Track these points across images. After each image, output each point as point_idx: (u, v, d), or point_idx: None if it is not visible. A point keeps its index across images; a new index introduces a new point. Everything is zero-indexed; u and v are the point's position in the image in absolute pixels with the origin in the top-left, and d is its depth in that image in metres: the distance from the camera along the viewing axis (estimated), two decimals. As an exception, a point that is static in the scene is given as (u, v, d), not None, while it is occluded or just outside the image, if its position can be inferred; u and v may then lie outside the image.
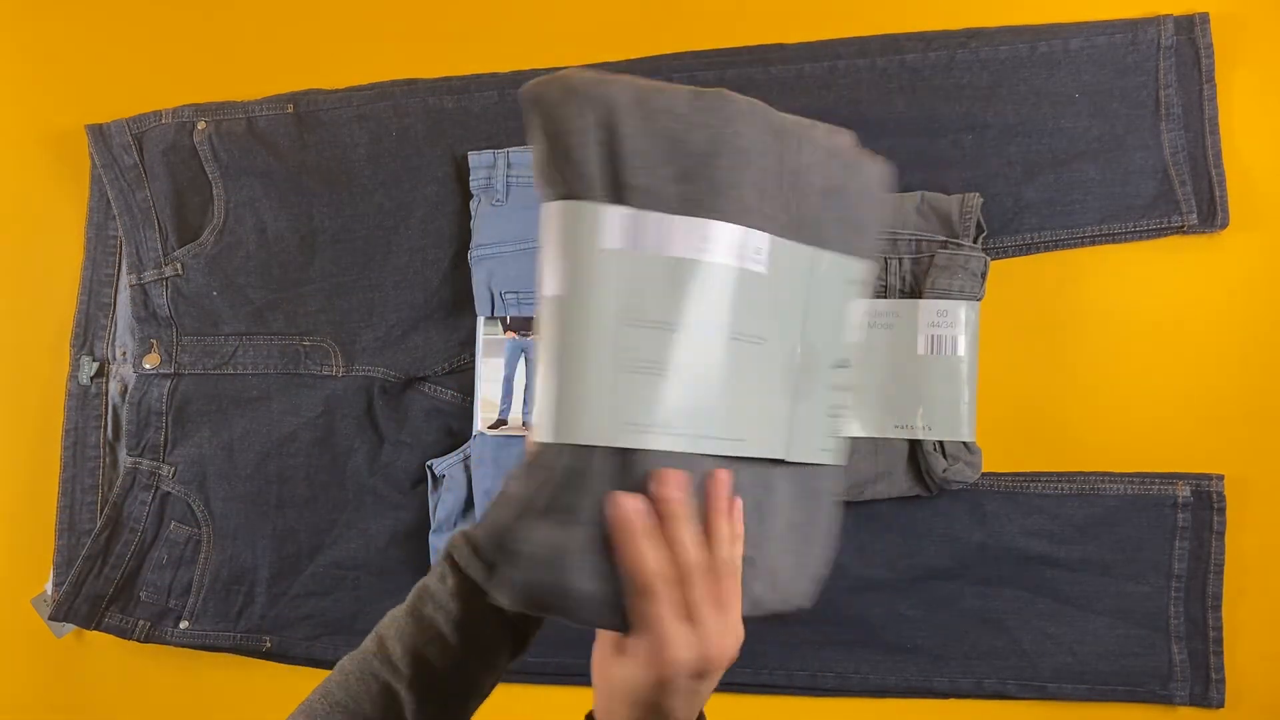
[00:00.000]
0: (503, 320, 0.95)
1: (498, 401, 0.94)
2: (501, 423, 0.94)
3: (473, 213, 0.97)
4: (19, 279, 1.11)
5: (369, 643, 0.55)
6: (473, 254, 0.97)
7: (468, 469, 0.97)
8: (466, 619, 0.54)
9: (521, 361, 0.93)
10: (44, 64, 1.13)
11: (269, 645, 1.03)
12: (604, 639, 0.52)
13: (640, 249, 0.49)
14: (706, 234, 0.50)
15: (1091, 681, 0.95)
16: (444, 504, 0.98)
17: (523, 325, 0.94)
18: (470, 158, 0.98)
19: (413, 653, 0.53)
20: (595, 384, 0.48)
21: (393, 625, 0.55)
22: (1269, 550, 0.94)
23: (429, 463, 0.99)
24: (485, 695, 0.57)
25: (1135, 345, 0.97)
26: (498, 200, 0.95)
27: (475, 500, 0.96)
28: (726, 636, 0.48)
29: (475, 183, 0.97)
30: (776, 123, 0.53)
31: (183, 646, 1.04)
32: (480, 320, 0.97)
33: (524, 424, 0.92)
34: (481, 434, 0.94)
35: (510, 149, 0.98)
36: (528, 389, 0.92)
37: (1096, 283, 0.97)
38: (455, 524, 0.97)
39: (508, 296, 0.95)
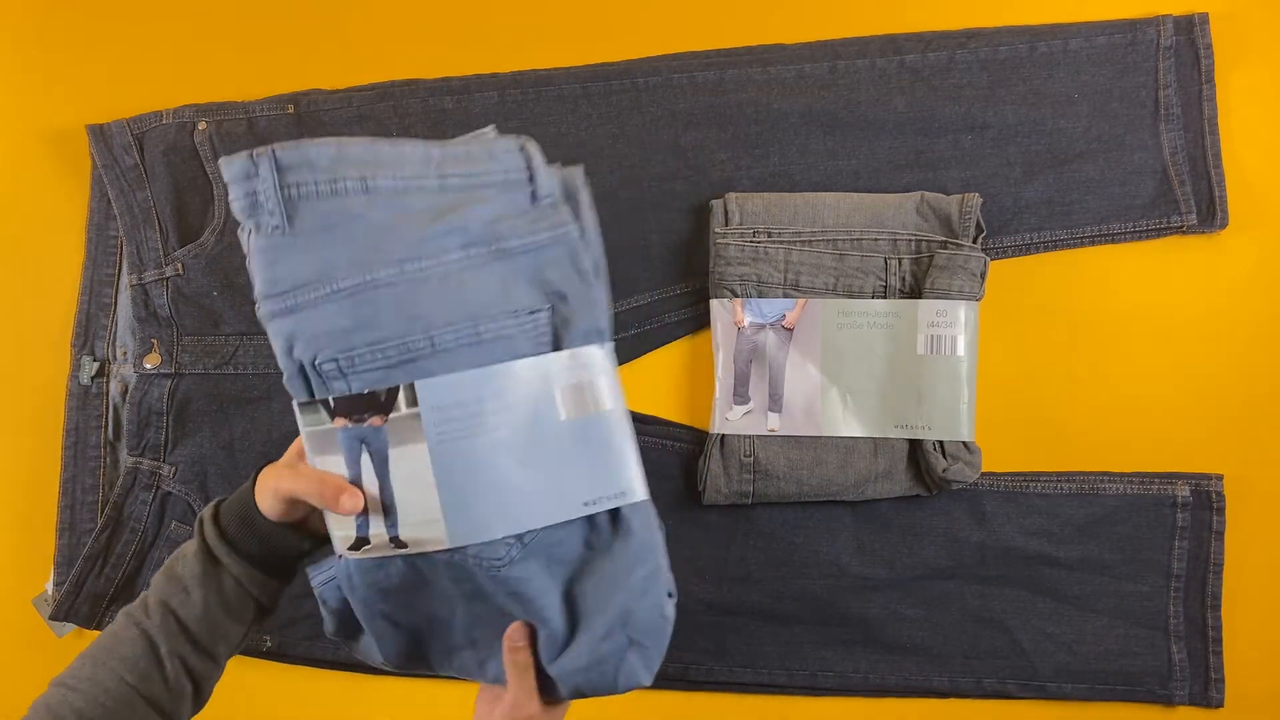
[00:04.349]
0: (324, 404, 0.62)
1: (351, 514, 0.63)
2: (363, 541, 0.63)
3: (245, 250, 0.63)
4: (19, 279, 1.12)
5: (139, 598, 0.66)
6: (261, 310, 0.62)
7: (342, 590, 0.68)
8: (208, 579, 0.64)
9: (366, 458, 0.62)
10: (44, 64, 1.13)
11: (269, 645, 1.03)
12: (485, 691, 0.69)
13: None
14: None
15: (1091, 681, 0.95)
16: (329, 621, 0.69)
17: (355, 407, 0.62)
18: (223, 167, 0.61)
19: (162, 604, 0.64)
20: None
21: (153, 582, 0.66)
22: (1269, 550, 0.94)
23: (308, 569, 0.69)
24: (236, 642, 0.67)
25: (1135, 345, 0.97)
26: (277, 227, 0.61)
27: (364, 625, 0.67)
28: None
29: (237, 205, 0.61)
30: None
31: (183, 646, 1.05)
32: (295, 408, 0.64)
33: (392, 540, 0.63)
34: (344, 557, 0.64)
35: (274, 147, 0.61)
36: (384, 493, 0.63)
37: (1096, 283, 0.98)
38: (350, 638, 0.70)
39: (325, 367, 0.62)
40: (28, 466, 1.09)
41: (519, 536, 0.62)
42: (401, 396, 0.61)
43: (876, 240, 0.95)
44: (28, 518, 1.09)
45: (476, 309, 0.61)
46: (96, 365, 1.07)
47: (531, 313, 0.63)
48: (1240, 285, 0.96)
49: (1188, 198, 0.95)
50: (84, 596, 1.03)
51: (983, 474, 0.95)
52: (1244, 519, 0.94)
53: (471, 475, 0.61)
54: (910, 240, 0.95)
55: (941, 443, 0.93)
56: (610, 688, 0.63)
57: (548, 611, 0.64)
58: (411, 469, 0.62)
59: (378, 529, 0.62)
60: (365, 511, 0.62)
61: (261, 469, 0.66)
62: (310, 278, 0.61)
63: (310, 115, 1.05)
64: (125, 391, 1.07)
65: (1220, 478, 0.94)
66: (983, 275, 0.94)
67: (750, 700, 0.99)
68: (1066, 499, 0.96)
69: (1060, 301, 0.98)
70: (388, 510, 0.62)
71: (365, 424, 0.62)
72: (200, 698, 0.66)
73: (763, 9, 1.03)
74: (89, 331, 1.08)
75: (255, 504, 0.65)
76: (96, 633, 1.05)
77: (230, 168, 0.60)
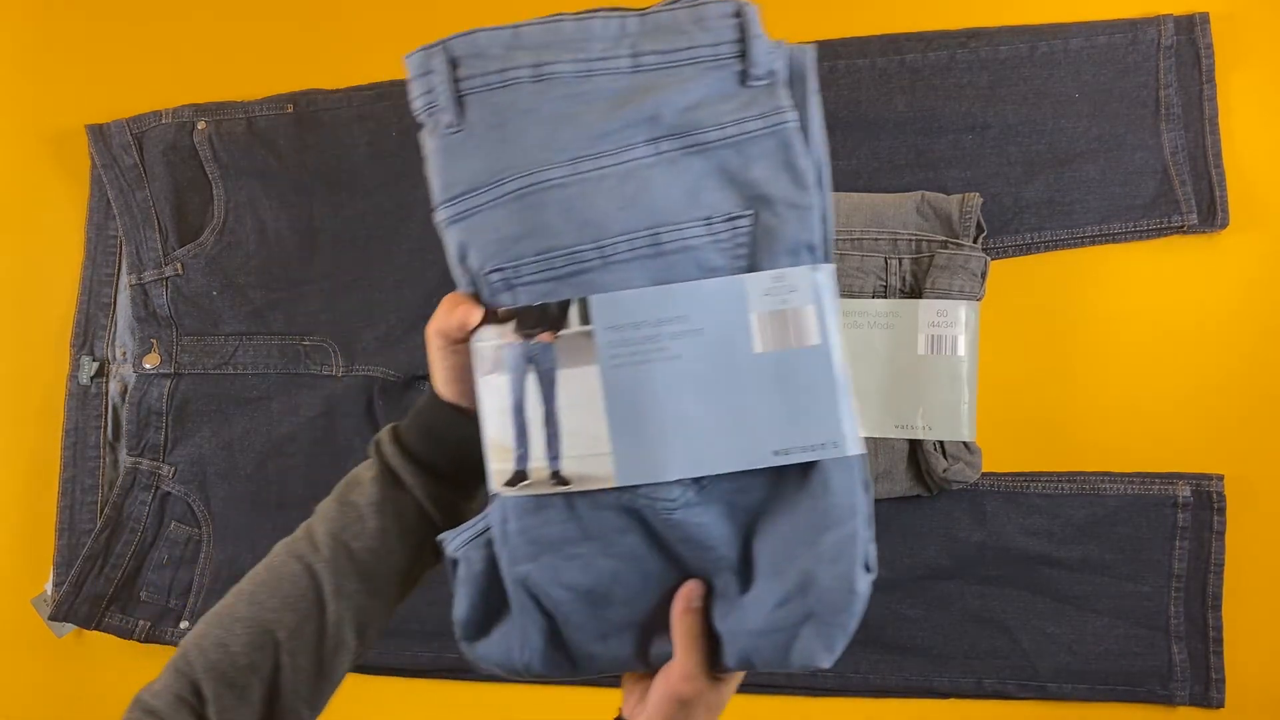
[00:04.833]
0: (492, 314, 0.56)
1: (511, 445, 0.57)
2: (521, 476, 0.56)
3: (424, 153, 0.60)
4: (19, 279, 1.11)
5: (299, 529, 0.59)
6: (438, 217, 0.58)
7: (491, 548, 0.59)
8: (387, 504, 0.58)
9: (532, 378, 0.56)
10: (44, 64, 1.13)
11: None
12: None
13: None
14: None
15: (1091, 681, 0.95)
16: (462, 599, 0.59)
17: (524, 321, 0.56)
18: (405, 62, 0.57)
19: (333, 535, 0.58)
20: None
21: (320, 511, 0.59)
22: (1269, 550, 0.94)
23: (439, 538, 0.61)
24: (411, 583, 0.61)
25: (1135, 345, 0.97)
26: (450, 125, 0.56)
27: (509, 591, 0.58)
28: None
29: (417, 104, 0.58)
30: None
31: (183, 646, 1.04)
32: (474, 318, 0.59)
33: (553, 476, 0.55)
34: (499, 496, 0.57)
35: (448, 38, 0.56)
36: (549, 420, 0.56)
37: (1096, 283, 0.97)
38: (480, 632, 0.60)
39: (492, 279, 0.56)
40: (27, 467, 1.09)
41: (696, 479, 0.55)
42: (573, 311, 0.54)
43: (877, 240, 0.95)
44: (27, 518, 1.09)
45: (660, 215, 0.53)
46: (96, 365, 1.07)
47: (728, 220, 0.54)
48: (1241, 285, 0.96)
49: (1188, 197, 0.95)
50: (83, 597, 1.03)
51: (983, 474, 0.95)
52: (1244, 519, 0.94)
53: (646, 406, 0.54)
54: (910, 240, 0.95)
55: (942, 443, 0.93)
56: (781, 662, 0.54)
57: (724, 564, 0.56)
58: (580, 394, 0.55)
59: (538, 462, 0.55)
60: (526, 442, 0.55)
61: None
62: (480, 181, 0.55)
63: (310, 115, 1.05)
64: (125, 391, 1.07)
65: (1221, 478, 0.94)
66: (983, 275, 0.94)
67: (750, 700, 0.99)
68: (1067, 499, 0.96)
69: (1060, 301, 0.98)
70: (551, 440, 0.55)
71: (534, 340, 0.55)
72: (364, 644, 0.60)
73: (763, 9, 1.03)
74: (88, 331, 1.08)
75: (433, 405, 0.59)
76: (96, 633, 1.05)
77: (410, 62, 0.57)
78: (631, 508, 0.55)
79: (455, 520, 0.60)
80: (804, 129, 0.54)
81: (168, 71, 1.11)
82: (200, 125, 1.06)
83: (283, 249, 1.04)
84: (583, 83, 0.54)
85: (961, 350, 0.93)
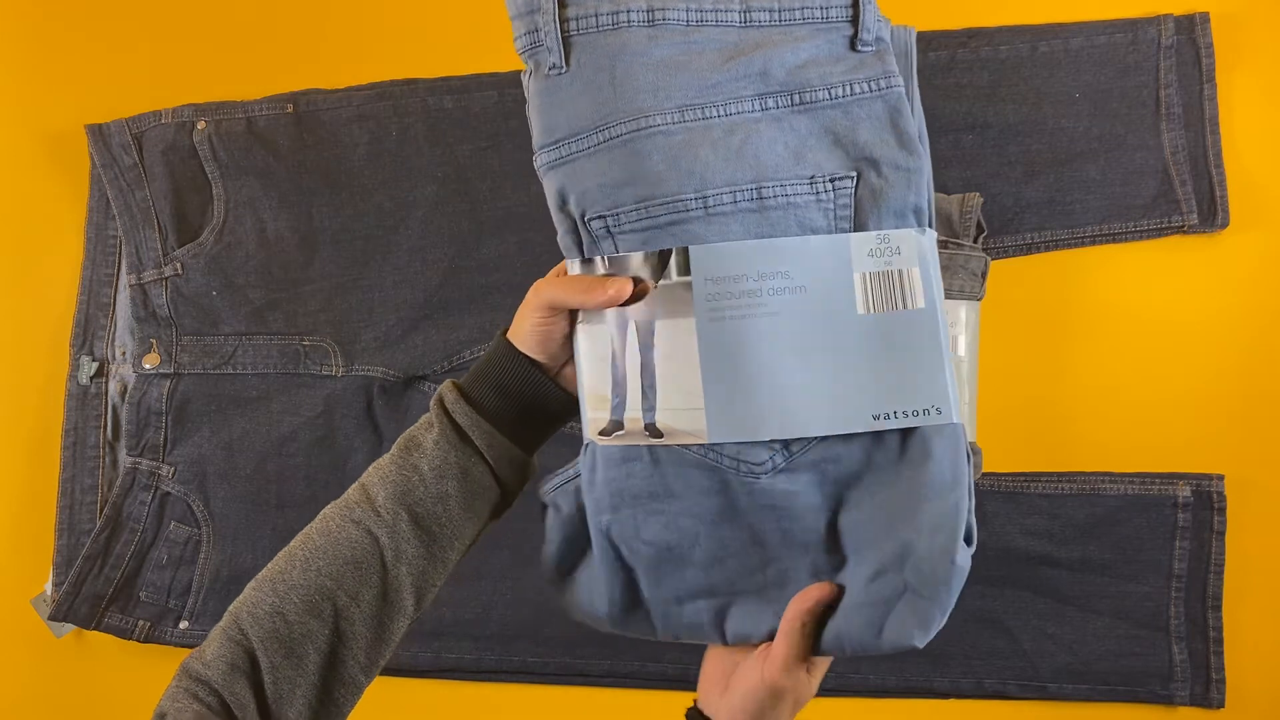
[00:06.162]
0: (599, 264, 0.56)
1: (608, 394, 0.57)
2: (617, 426, 0.57)
3: (526, 95, 0.58)
4: (19, 279, 1.11)
5: (352, 491, 0.58)
6: (538, 161, 0.57)
7: (580, 495, 0.61)
8: (449, 465, 0.56)
9: (631, 327, 0.56)
10: (44, 64, 1.13)
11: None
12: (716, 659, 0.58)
13: None
14: None
15: (1092, 681, 0.95)
16: (551, 543, 0.61)
17: (625, 269, 0.55)
18: (506, 1, 0.56)
19: (394, 498, 0.56)
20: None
21: (377, 473, 0.57)
22: (1269, 550, 0.94)
23: (544, 480, 0.63)
24: (468, 546, 0.59)
25: (1135, 345, 0.97)
26: (555, 66, 0.55)
27: (593, 539, 0.59)
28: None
29: (520, 43, 0.56)
30: None
31: (183, 646, 1.04)
32: (573, 267, 0.58)
33: (647, 427, 0.56)
34: (591, 444, 0.58)
35: None
36: (645, 371, 0.56)
37: (1096, 283, 0.97)
38: (566, 577, 0.62)
39: (594, 225, 0.55)
40: (27, 467, 1.09)
41: (786, 444, 0.53)
42: (674, 262, 0.53)
43: (877, 240, 0.95)
44: (27, 518, 1.09)
45: (764, 170, 0.53)
46: (96, 365, 1.07)
47: (833, 180, 0.53)
48: (1241, 285, 0.96)
49: (1189, 197, 0.95)
50: (83, 597, 1.03)
51: (983, 474, 0.95)
52: (1245, 519, 0.94)
53: (742, 363, 0.53)
54: (911, 240, 0.95)
55: (942, 443, 0.93)
56: (874, 643, 0.52)
57: (810, 536, 0.55)
58: (676, 346, 0.54)
59: (633, 412, 0.54)
60: (622, 392, 0.54)
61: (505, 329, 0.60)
62: (584, 125, 0.54)
63: (309, 115, 1.05)
64: (124, 391, 1.07)
65: (1221, 478, 0.94)
66: (984, 275, 0.94)
67: (750, 701, 0.99)
68: (1067, 499, 0.95)
69: (1061, 301, 0.98)
70: (647, 391, 0.54)
71: (635, 289, 0.54)
72: (419, 608, 0.58)
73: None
74: (88, 331, 1.08)
75: (506, 360, 0.58)
76: (96, 634, 1.05)
77: (512, 1, 0.55)
78: (717, 467, 0.54)
79: (520, 478, 0.60)
80: (910, 96, 0.55)
81: (168, 71, 1.11)
82: (200, 125, 1.06)
83: (282, 249, 1.04)
84: (693, 32, 0.54)
85: (962, 350, 0.93)
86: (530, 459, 0.60)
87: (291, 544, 0.57)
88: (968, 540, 0.51)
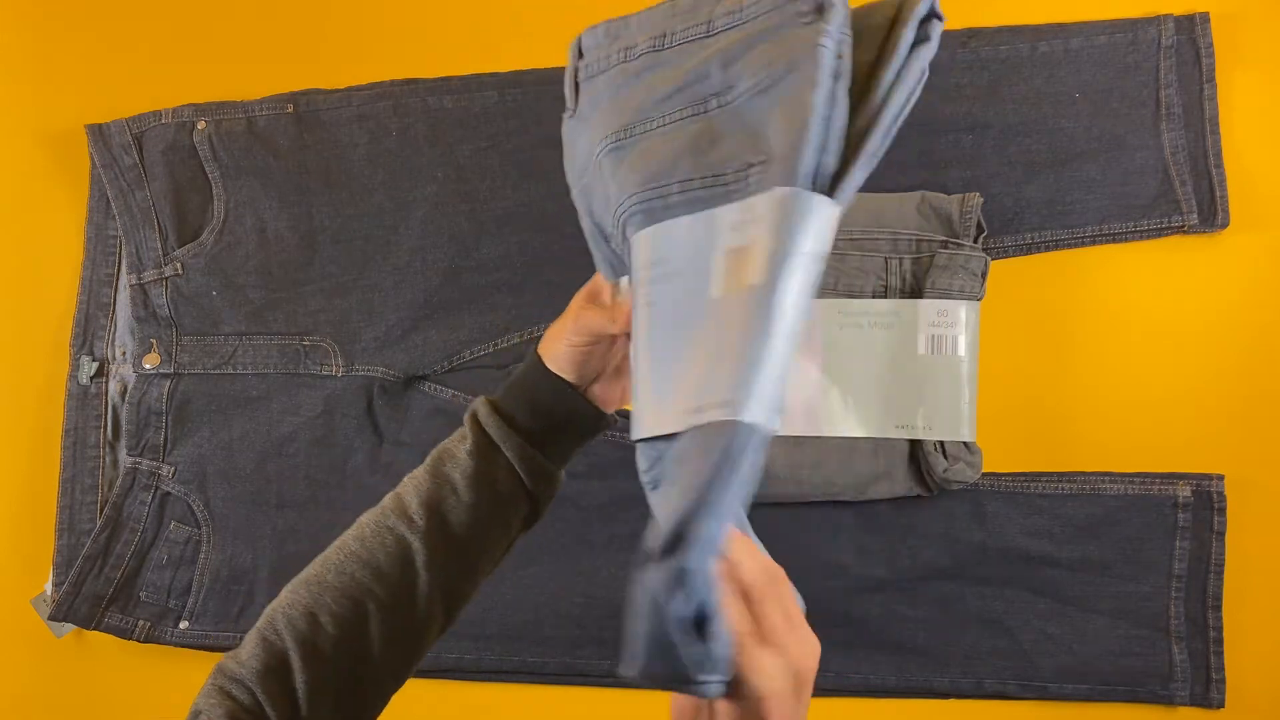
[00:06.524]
0: (627, 282, 0.60)
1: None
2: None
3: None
4: (19, 279, 1.11)
5: (387, 500, 0.59)
6: (575, 190, 0.62)
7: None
8: (481, 475, 0.59)
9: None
10: (44, 64, 1.13)
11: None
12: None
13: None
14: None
15: (1092, 681, 0.95)
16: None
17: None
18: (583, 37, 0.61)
19: (428, 506, 0.57)
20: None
21: (411, 483, 0.59)
22: (1269, 550, 0.94)
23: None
24: (498, 557, 0.61)
25: (1135, 345, 0.97)
26: (568, 110, 0.61)
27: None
28: (805, 646, 0.46)
29: (566, 92, 0.62)
30: None
31: (183, 646, 1.04)
32: (622, 286, 0.60)
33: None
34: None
35: (586, 31, 0.60)
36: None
37: (1096, 283, 0.97)
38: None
39: (611, 234, 0.59)
40: (27, 467, 1.09)
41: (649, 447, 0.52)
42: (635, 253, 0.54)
43: (877, 240, 0.95)
44: (27, 518, 1.09)
45: (677, 171, 0.52)
46: (96, 365, 1.07)
47: (744, 169, 0.49)
48: (1241, 285, 0.96)
49: (1189, 197, 0.95)
50: (83, 597, 1.03)
51: (983, 474, 0.95)
52: (1245, 519, 0.94)
53: (644, 354, 0.51)
54: (911, 240, 0.95)
55: (942, 443, 0.93)
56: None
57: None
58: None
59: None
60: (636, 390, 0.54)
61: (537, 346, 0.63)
62: (585, 157, 0.60)
63: (310, 115, 1.05)
64: (124, 391, 1.07)
65: (1221, 478, 0.94)
66: (984, 275, 0.94)
67: (750, 701, 0.99)
68: (1067, 499, 0.95)
69: (1061, 301, 0.98)
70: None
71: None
72: (450, 620, 0.60)
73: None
74: (88, 331, 1.08)
75: (538, 379, 0.61)
76: (96, 634, 1.05)
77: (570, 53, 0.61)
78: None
79: (549, 490, 0.62)
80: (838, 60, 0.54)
81: (168, 71, 1.11)
82: (200, 125, 1.06)
83: (282, 249, 1.04)
84: (658, 56, 0.55)
85: (962, 350, 0.93)
86: (559, 472, 0.63)
87: (327, 549, 0.58)
88: (677, 542, 0.40)
